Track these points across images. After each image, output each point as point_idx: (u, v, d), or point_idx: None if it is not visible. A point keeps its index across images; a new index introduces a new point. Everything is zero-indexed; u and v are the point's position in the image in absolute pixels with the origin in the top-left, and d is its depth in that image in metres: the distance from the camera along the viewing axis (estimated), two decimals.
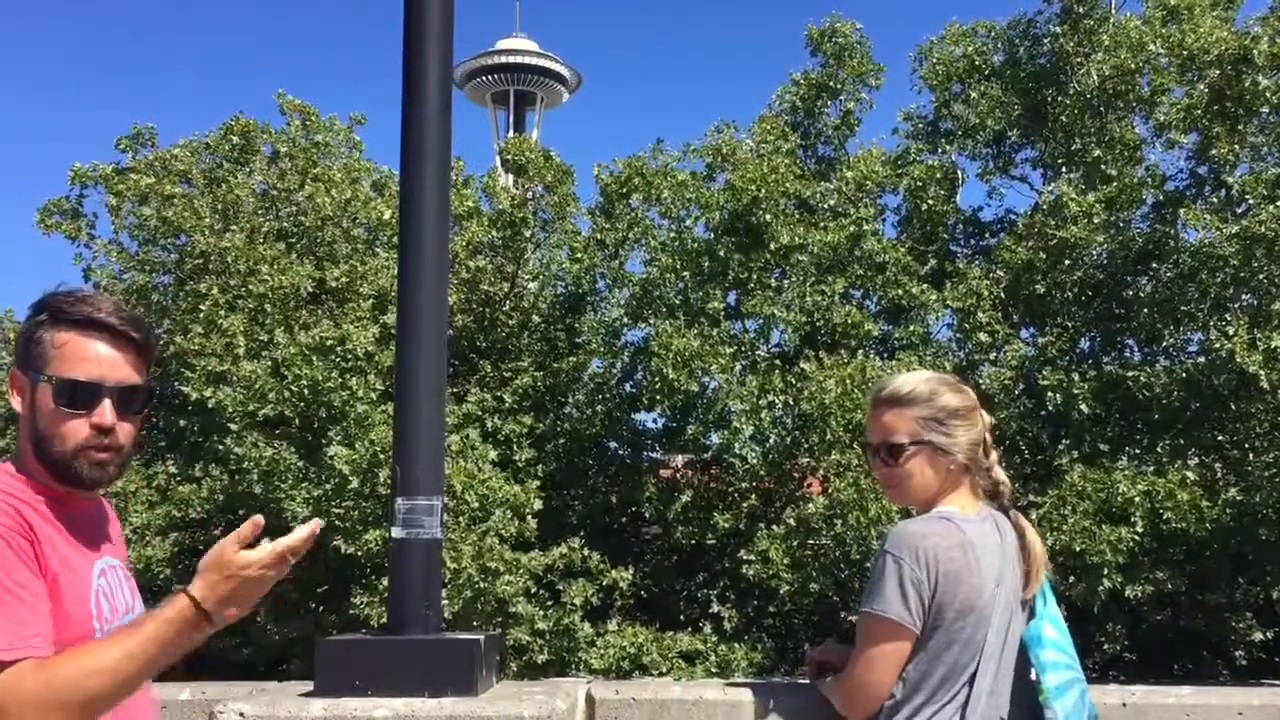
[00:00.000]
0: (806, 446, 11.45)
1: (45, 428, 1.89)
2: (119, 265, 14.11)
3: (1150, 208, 12.59)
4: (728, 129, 13.56)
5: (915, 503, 2.50)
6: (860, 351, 11.84)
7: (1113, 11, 13.23)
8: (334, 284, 12.61)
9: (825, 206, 13.06)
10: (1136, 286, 12.45)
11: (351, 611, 10.46)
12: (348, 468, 10.45)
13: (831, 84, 13.71)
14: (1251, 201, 11.25)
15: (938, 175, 13.01)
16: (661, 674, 10.54)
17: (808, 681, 2.82)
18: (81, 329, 1.90)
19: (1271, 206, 10.81)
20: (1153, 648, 12.16)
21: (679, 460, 13.58)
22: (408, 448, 3.41)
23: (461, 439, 11.18)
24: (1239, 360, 10.34)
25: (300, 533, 1.73)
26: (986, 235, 14.07)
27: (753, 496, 12.24)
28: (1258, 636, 11.81)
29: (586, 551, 11.29)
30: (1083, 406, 11.17)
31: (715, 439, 12.17)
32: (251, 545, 1.77)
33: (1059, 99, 12.90)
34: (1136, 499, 10.45)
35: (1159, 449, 11.36)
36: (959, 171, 13.60)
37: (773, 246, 12.12)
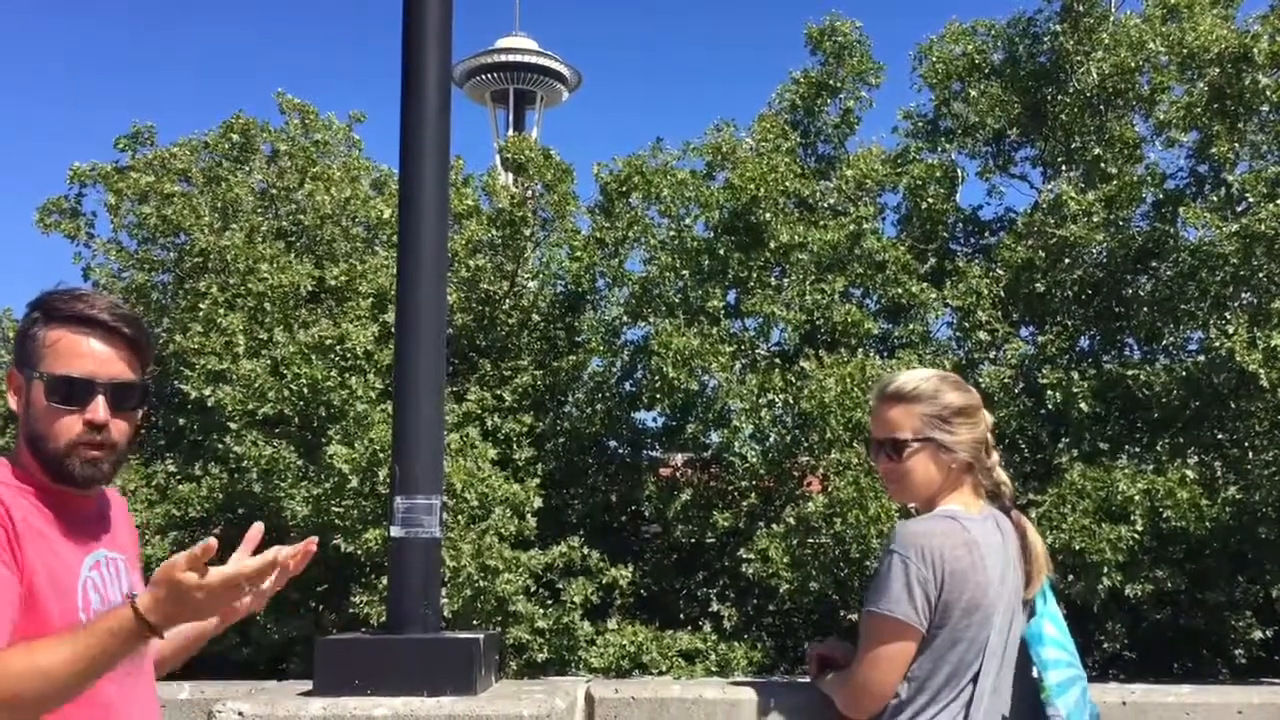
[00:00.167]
0: (806, 445, 11.45)
1: (38, 425, 1.89)
2: (118, 264, 14.11)
3: (1150, 206, 12.58)
4: (727, 127, 13.56)
5: (916, 500, 2.50)
6: (860, 350, 11.84)
7: (1112, 10, 13.23)
8: (333, 282, 12.60)
9: (825, 205, 13.06)
10: (1136, 285, 12.45)
11: (351, 610, 10.46)
12: (347, 466, 10.44)
13: (831, 82, 13.70)
14: (1251, 200, 11.25)
15: (937, 174, 13.01)
16: (661, 673, 10.54)
17: (807, 680, 2.82)
18: (75, 326, 1.91)
19: (1271, 205, 10.81)
20: (1152, 646, 12.17)
21: (679, 459, 13.57)
22: (407, 446, 3.41)
23: (461, 438, 11.18)
24: (1239, 359, 10.34)
25: (252, 562, 1.66)
26: (986, 234, 14.07)
27: (752, 495, 12.23)
28: (1257, 635, 11.81)
29: (586, 550, 11.29)
30: (1082, 405, 11.17)
31: (715, 437, 12.18)
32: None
33: (1059, 97, 12.90)
34: (1136, 497, 10.45)
35: (1159, 447, 11.36)
36: (959, 170, 13.59)
37: (772, 245, 12.11)
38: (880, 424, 2.50)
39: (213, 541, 1.61)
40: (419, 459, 3.39)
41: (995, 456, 2.54)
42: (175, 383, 12.22)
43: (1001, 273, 12.30)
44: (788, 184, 12.37)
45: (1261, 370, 10.26)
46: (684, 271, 12.26)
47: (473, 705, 2.89)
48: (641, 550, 13.16)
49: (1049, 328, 12.20)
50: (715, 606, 12.10)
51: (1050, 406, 11.41)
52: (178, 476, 12.42)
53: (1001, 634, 2.39)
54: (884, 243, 12.53)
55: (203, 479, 12.04)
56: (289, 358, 11.30)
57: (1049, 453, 11.94)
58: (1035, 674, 2.48)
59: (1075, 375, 11.37)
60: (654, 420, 13.32)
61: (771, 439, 11.69)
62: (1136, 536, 10.37)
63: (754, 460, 11.65)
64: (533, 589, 10.91)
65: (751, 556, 11.03)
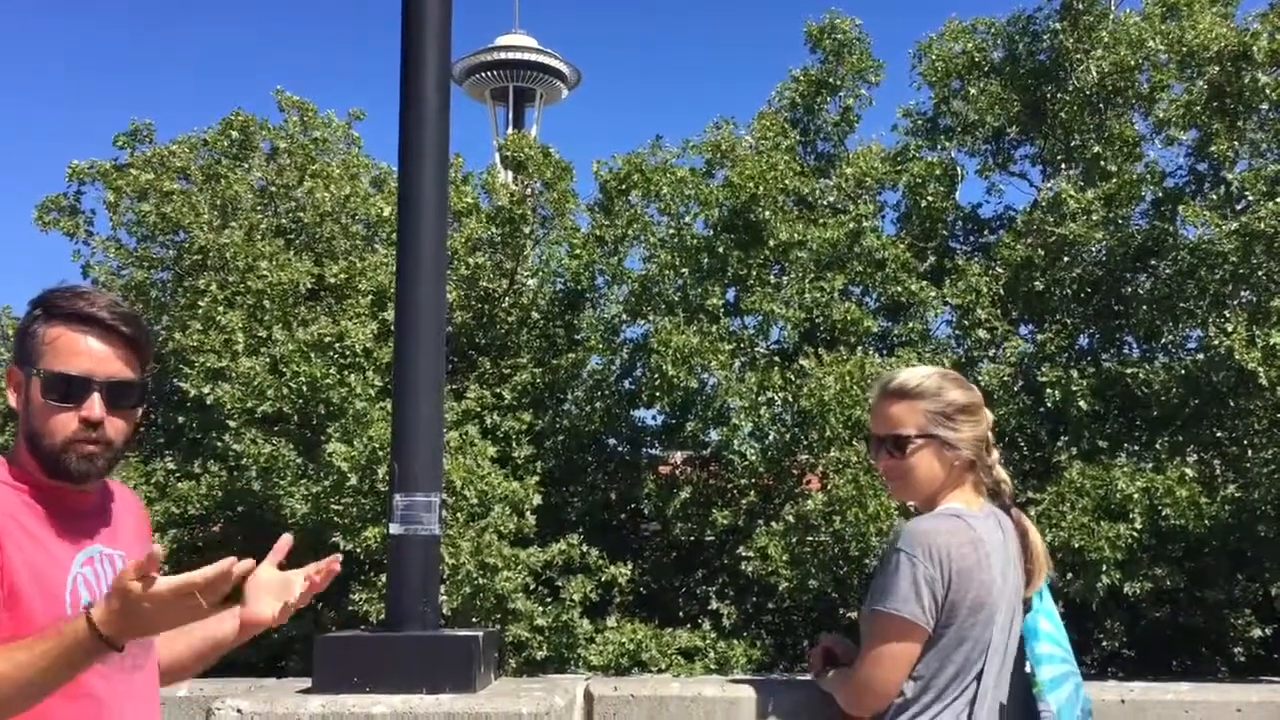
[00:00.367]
0: (805, 443, 11.45)
1: (35, 421, 1.90)
2: (117, 261, 14.09)
3: (1149, 204, 12.58)
4: (727, 125, 13.55)
5: (917, 497, 2.50)
6: (859, 348, 11.83)
7: (1112, 8, 13.21)
8: (333, 280, 12.60)
9: (824, 203, 13.06)
10: (1135, 283, 12.45)
11: (350, 608, 10.46)
12: (346, 464, 10.44)
13: (831, 80, 13.69)
14: (1251, 198, 11.25)
15: (937, 172, 13.00)
16: (660, 671, 10.54)
17: (807, 678, 2.82)
18: (73, 323, 1.92)
19: (1271, 203, 10.80)
20: (1151, 644, 12.17)
21: (678, 457, 13.57)
22: (406, 444, 3.41)
23: (460, 435, 11.18)
24: (1238, 357, 10.34)
25: (202, 572, 1.62)
26: (986, 232, 14.06)
27: (752, 493, 12.23)
28: (1256, 633, 11.82)
29: (585, 548, 11.29)
30: (1081, 403, 11.17)
31: (714, 435, 12.17)
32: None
33: (1058, 95, 12.89)
34: (1135, 495, 10.45)
35: (1158, 446, 11.36)
36: (958, 168, 13.59)
37: (772, 243, 12.11)
38: (882, 420, 2.50)
39: (158, 549, 1.59)
40: (418, 457, 3.39)
41: (995, 454, 2.55)
42: (174, 380, 12.21)
43: (1001, 271, 12.30)
44: (787, 182, 12.36)
45: (1260, 368, 10.26)
46: (683, 269, 12.25)
47: (472, 703, 2.89)
48: (641, 548, 13.16)
49: (1048, 326, 12.20)
50: (714, 604, 12.10)
51: (1049, 404, 11.41)
52: (177, 474, 12.42)
53: (1004, 632, 2.40)
54: (883, 241, 12.53)
55: (202, 477, 12.04)
56: (288, 355, 11.30)
57: (1048, 451, 11.94)
58: (1028, 669, 2.48)
59: (1074, 373, 11.38)
60: (653, 418, 13.34)
61: (771, 437, 11.69)
62: (1135, 534, 10.37)
63: (753, 458, 11.65)
64: (532, 587, 10.91)
65: (751, 554, 11.03)
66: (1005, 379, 11.66)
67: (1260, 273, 11.10)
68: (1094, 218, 11.71)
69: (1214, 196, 12.02)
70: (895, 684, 2.34)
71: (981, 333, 12.00)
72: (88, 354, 1.91)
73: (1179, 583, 11.04)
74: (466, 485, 10.56)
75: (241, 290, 12.25)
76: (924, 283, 12.31)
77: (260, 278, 12.20)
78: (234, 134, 14.36)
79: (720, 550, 12.33)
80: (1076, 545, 10.21)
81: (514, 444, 11.98)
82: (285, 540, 2.06)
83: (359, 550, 10.53)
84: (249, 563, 1.66)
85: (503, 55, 72.88)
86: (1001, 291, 12.27)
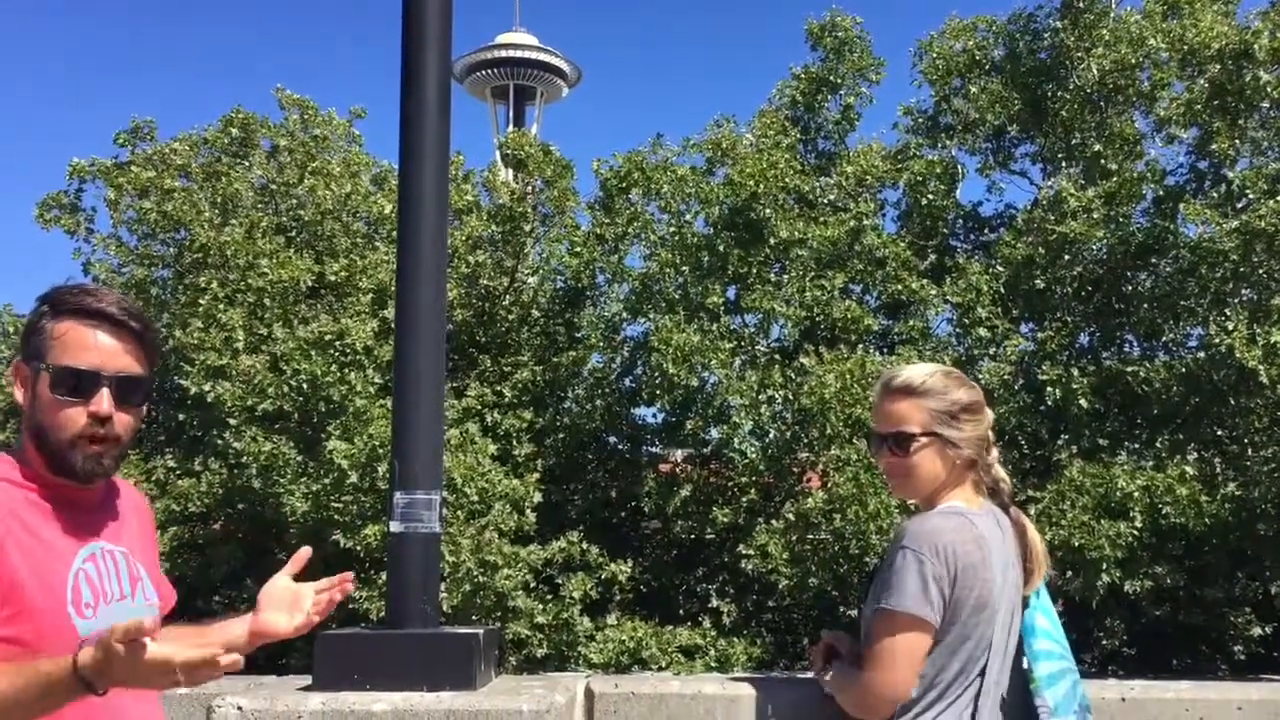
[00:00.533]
0: (806, 441, 11.45)
1: (44, 416, 1.91)
2: (118, 259, 14.09)
3: (1150, 203, 12.58)
4: (727, 123, 13.55)
5: (918, 495, 2.50)
6: (860, 346, 11.83)
7: (1113, 6, 13.20)
8: (333, 278, 12.60)
9: (825, 201, 13.05)
10: (1136, 281, 12.44)
11: (350, 606, 10.46)
12: (346, 462, 10.44)
13: (832, 78, 13.68)
14: (1251, 196, 11.24)
15: (937, 170, 12.99)
16: (661, 668, 10.54)
17: (807, 676, 2.82)
18: (81, 318, 1.92)
19: (1271, 201, 10.80)
20: (1151, 643, 12.17)
21: (678, 455, 13.57)
22: (407, 442, 3.41)
23: (461, 433, 11.18)
24: (1238, 355, 10.34)
25: (189, 654, 1.62)
26: (986, 230, 14.06)
27: (752, 491, 12.23)
28: (1256, 631, 11.82)
29: (585, 545, 11.30)
30: (1082, 401, 11.17)
31: (715, 434, 12.17)
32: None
33: (1059, 94, 12.88)
34: (1135, 494, 10.45)
35: (1158, 444, 11.36)
36: (959, 166, 13.58)
37: (772, 241, 12.11)
38: (886, 417, 2.49)
39: (151, 624, 1.59)
40: (419, 455, 3.39)
41: (995, 453, 2.55)
42: (175, 378, 12.22)
43: (1001, 269, 12.29)
44: (788, 180, 12.36)
45: (1261, 367, 10.26)
46: (684, 268, 12.25)
47: (472, 700, 2.90)
48: (641, 546, 13.16)
49: (1049, 324, 12.20)
50: (715, 602, 12.11)
51: (1050, 403, 11.40)
52: (177, 472, 12.42)
53: (1004, 630, 2.40)
54: (884, 239, 12.53)
55: (202, 474, 12.04)
56: (289, 353, 11.30)
57: (1048, 449, 11.94)
58: (1026, 665, 2.48)
59: (1075, 372, 11.37)
60: (654, 416, 13.34)
61: (771, 435, 11.69)
62: (1136, 533, 10.37)
63: (753, 456, 11.66)
64: (532, 584, 10.91)
65: (751, 552, 11.03)
66: (1006, 377, 11.65)
67: (1261, 271, 11.10)
68: (1094, 216, 11.71)
69: (1215, 195, 12.02)
70: (907, 684, 2.32)
71: (982, 331, 11.99)
72: (97, 349, 1.91)
73: (1179, 581, 11.04)
74: (467, 483, 10.56)
75: (242, 288, 12.25)
76: (924, 281, 12.31)
77: (261, 275, 12.20)
78: (234, 132, 14.36)
79: (720, 548, 12.34)
80: (1077, 543, 10.21)
81: (514, 442, 11.98)
82: (304, 553, 2.08)
83: (359, 548, 10.53)
84: (236, 659, 1.66)
85: (503, 53, 72.92)
86: (1002, 290, 12.27)
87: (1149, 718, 3.03)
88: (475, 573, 10.22)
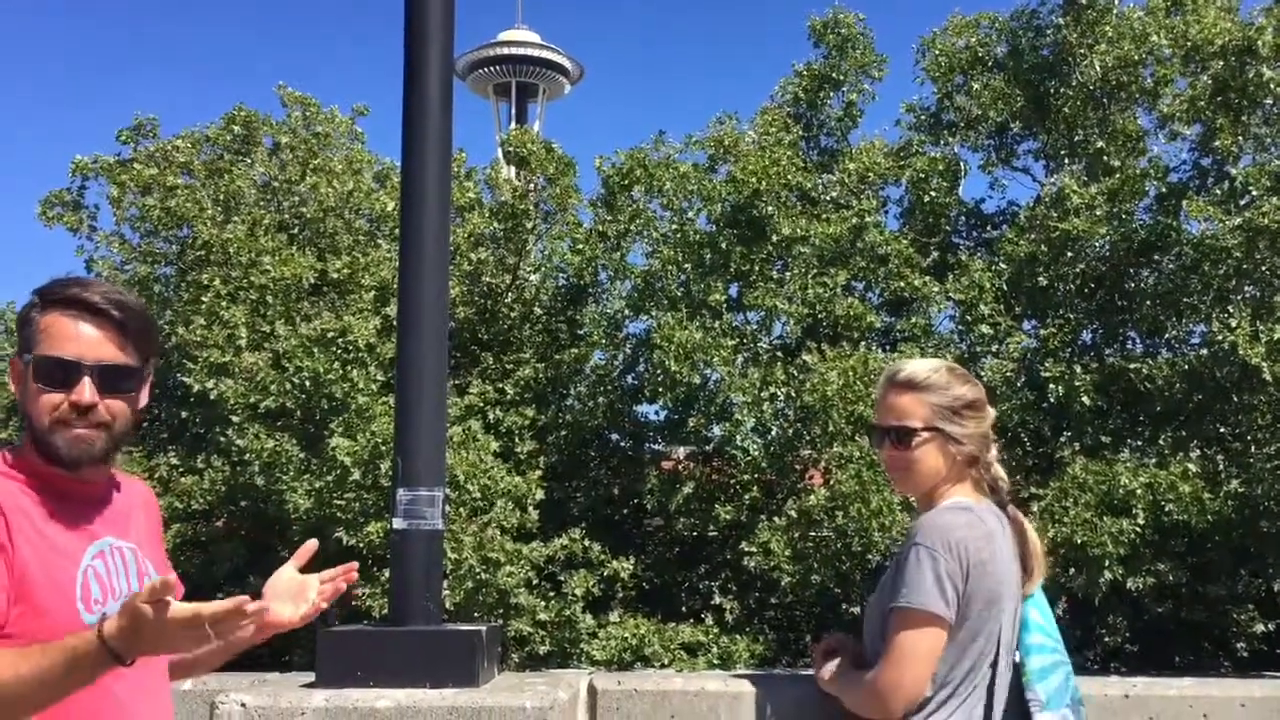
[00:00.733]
0: (808, 438, 11.45)
1: (29, 405, 1.92)
2: (121, 257, 14.11)
3: (1153, 199, 12.55)
4: (730, 120, 13.53)
5: (918, 491, 2.50)
6: (862, 344, 11.83)
7: (1115, 2, 13.18)
8: (335, 275, 12.60)
9: (827, 198, 13.04)
10: (1139, 278, 12.42)
11: (353, 603, 10.47)
12: (349, 459, 10.45)
13: (834, 75, 13.67)
14: (1255, 193, 11.22)
15: (940, 167, 12.98)
16: (663, 666, 10.54)
17: (809, 673, 2.82)
18: (65, 309, 1.93)
19: (1275, 198, 10.78)
20: (1154, 640, 12.16)
21: (681, 452, 13.57)
22: (409, 439, 3.42)
23: (463, 430, 11.18)
24: (1241, 352, 10.32)
25: (213, 606, 1.64)
26: (989, 227, 14.04)
27: (754, 488, 12.23)
28: (1259, 628, 11.80)
29: (588, 543, 11.30)
30: (1084, 398, 11.16)
31: (717, 431, 12.16)
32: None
33: (1061, 90, 12.86)
34: (1138, 491, 10.44)
35: (1161, 441, 11.35)
36: (961, 163, 13.57)
37: (775, 238, 12.10)
38: (888, 411, 2.49)
39: (174, 579, 1.59)
40: (421, 452, 3.40)
41: (994, 451, 2.55)
42: (178, 375, 12.23)
43: (1004, 266, 12.28)
44: (790, 177, 12.35)
45: (1264, 364, 10.24)
46: (686, 265, 12.24)
47: (475, 697, 2.90)
48: (643, 543, 13.16)
49: (1051, 321, 12.18)
50: (717, 599, 12.11)
51: (1052, 400, 11.39)
52: (180, 469, 12.43)
53: (1011, 626, 2.41)
54: (886, 236, 12.52)
55: (205, 472, 12.05)
56: (291, 351, 11.31)
57: (1051, 446, 11.93)
58: (1019, 659, 2.48)
59: (1077, 369, 11.36)
60: (656, 414, 13.33)
61: (773, 432, 11.69)
62: (1138, 530, 10.36)
63: (756, 453, 11.65)
64: (534, 582, 10.91)
65: (753, 550, 11.03)
66: (1008, 374, 11.64)
67: (1264, 268, 11.08)
68: (1097, 213, 11.69)
69: (1218, 192, 12.00)
70: (924, 682, 2.31)
71: (984, 328, 11.98)
72: (78, 338, 1.91)
73: (1182, 578, 11.03)
74: (469, 480, 10.56)
75: (245, 285, 12.26)
76: (927, 278, 12.30)
77: (263, 273, 12.21)
78: (236, 129, 14.36)
79: (723, 545, 12.34)
80: (1079, 541, 10.20)
81: (517, 439, 11.98)
82: (310, 545, 2.09)
83: (362, 545, 10.54)
84: (263, 604, 1.69)
85: (505, 50, 72.89)
86: (1004, 287, 12.25)
87: (1152, 714, 3.03)
88: (477, 570, 10.23)
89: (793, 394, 11.40)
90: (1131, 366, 11.59)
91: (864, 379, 10.67)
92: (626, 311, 12.74)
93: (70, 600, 1.82)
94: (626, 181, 12.86)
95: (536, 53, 73.19)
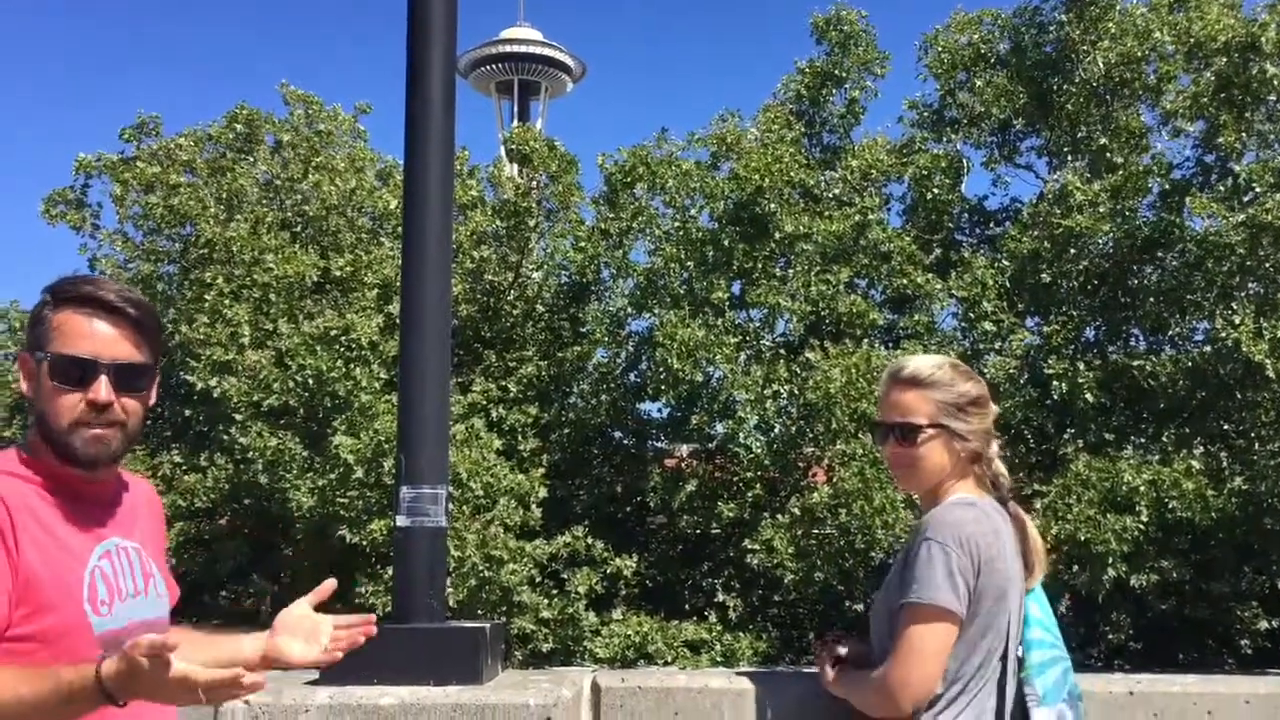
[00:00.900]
0: (811, 436, 11.44)
1: (44, 405, 1.91)
2: (124, 255, 14.13)
3: (1156, 196, 12.54)
4: (732, 118, 13.53)
5: (922, 487, 2.49)
6: (865, 341, 11.82)
7: None
8: (338, 273, 12.61)
9: (830, 195, 13.03)
10: (1142, 275, 12.41)
11: (357, 601, 10.48)
12: (352, 457, 10.46)
13: (837, 72, 13.65)
14: (1259, 190, 11.20)
15: (943, 164, 12.96)
16: (667, 663, 10.54)
17: (813, 670, 2.81)
18: (79, 307, 1.92)
19: (1279, 195, 10.76)
20: (1157, 637, 12.15)
21: (683, 450, 13.57)
22: (412, 437, 3.42)
23: (466, 428, 11.19)
24: (1245, 349, 10.31)
25: (213, 674, 1.64)
26: (992, 224, 14.02)
27: (757, 486, 12.23)
28: (1263, 625, 11.78)
29: (591, 540, 11.30)
30: (1088, 395, 11.15)
31: (720, 428, 12.16)
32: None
33: (1065, 87, 12.84)
34: (1141, 488, 10.43)
35: (1164, 438, 11.34)
36: (964, 160, 13.55)
37: (777, 236, 12.09)
38: (892, 408, 2.48)
39: (175, 640, 1.60)
40: (424, 449, 3.39)
41: (995, 447, 2.55)
42: (181, 374, 12.24)
43: (1007, 263, 12.27)
44: (792, 174, 12.34)
45: (1268, 361, 10.23)
46: (688, 262, 12.24)
47: (479, 694, 2.90)
48: (646, 541, 13.17)
49: (1054, 318, 12.17)
50: (720, 597, 12.11)
51: (1055, 397, 11.38)
52: (183, 467, 12.45)
53: (1016, 621, 2.41)
54: (889, 233, 12.50)
55: (208, 470, 12.07)
56: (294, 349, 11.31)
57: (1054, 443, 11.92)
58: (1020, 654, 2.48)
59: (1081, 366, 11.35)
60: (659, 411, 13.34)
61: (776, 430, 11.68)
62: (1142, 527, 10.35)
63: (759, 451, 11.65)
64: (537, 579, 10.92)
65: (756, 547, 11.03)
66: (1011, 371, 11.64)
67: (1268, 265, 11.06)
68: (1100, 210, 11.67)
69: (1221, 188, 11.97)
70: (936, 677, 2.30)
71: (987, 325, 11.97)
72: (94, 336, 1.91)
73: (1185, 575, 11.02)
74: (472, 478, 10.57)
75: (247, 284, 12.27)
76: (930, 275, 12.29)
77: (266, 271, 12.22)
78: (239, 127, 14.37)
79: (726, 543, 12.34)
80: (1083, 538, 10.19)
81: (520, 437, 11.99)
82: (329, 585, 2.08)
83: (365, 543, 10.55)
84: (259, 679, 1.68)
85: (508, 48, 72.89)
86: (1007, 284, 12.24)
87: (1156, 711, 3.03)
88: (480, 568, 10.23)
89: (795, 391, 11.39)
90: (1135, 363, 11.58)
91: (867, 376, 10.66)
92: (629, 309, 12.74)
93: (77, 601, 1.82)
94: (629, 179, 12.85)
95: (539, 50, 73.22)
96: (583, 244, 12.92)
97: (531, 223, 13.41)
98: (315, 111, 14.82)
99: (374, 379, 11.09)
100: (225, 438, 11.61)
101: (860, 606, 11.41)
